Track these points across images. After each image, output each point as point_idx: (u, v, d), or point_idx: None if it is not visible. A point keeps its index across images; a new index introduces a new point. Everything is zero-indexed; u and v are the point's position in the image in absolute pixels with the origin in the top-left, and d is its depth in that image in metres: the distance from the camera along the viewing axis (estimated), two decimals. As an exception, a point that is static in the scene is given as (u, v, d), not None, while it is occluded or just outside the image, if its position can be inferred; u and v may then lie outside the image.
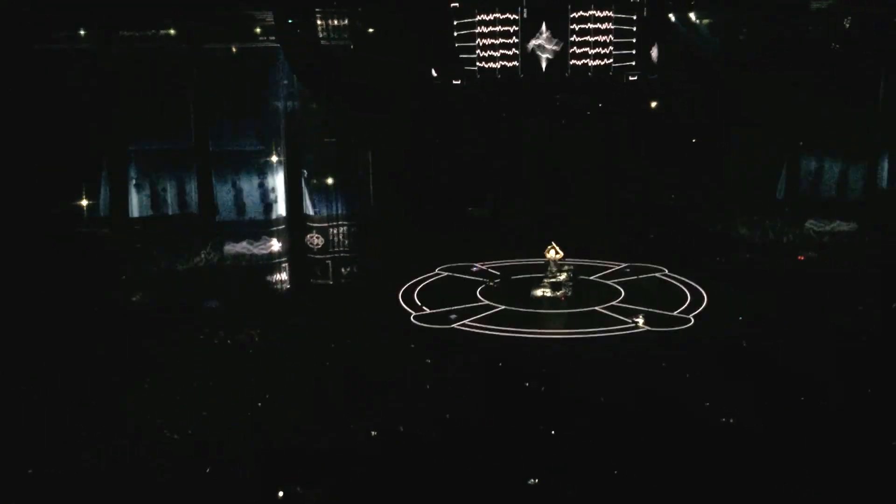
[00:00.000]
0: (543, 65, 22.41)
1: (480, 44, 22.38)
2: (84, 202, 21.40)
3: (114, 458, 11.56)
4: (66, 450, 11.83)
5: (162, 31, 21.29)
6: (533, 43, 22.25)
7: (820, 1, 21.73)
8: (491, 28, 22.33)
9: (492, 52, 22.44)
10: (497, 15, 22.23)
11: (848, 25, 21.19)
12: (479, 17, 22.32)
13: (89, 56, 20.98)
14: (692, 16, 22.79)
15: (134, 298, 20.93)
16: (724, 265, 23.17)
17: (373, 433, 12.24)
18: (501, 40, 22.36)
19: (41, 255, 19.93)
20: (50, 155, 20.47)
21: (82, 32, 20.95)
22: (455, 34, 22.43)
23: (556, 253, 21.01)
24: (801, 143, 23.97)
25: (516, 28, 22.32)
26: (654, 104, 24.67)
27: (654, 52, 22.67)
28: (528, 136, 25.60)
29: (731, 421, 12.39)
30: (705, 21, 22.77)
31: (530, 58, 22.39)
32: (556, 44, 22.18)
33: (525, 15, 22.21)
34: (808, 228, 24.10)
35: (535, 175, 25.71)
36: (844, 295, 19.21)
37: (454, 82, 22.71)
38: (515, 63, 22.51)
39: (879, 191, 23.70)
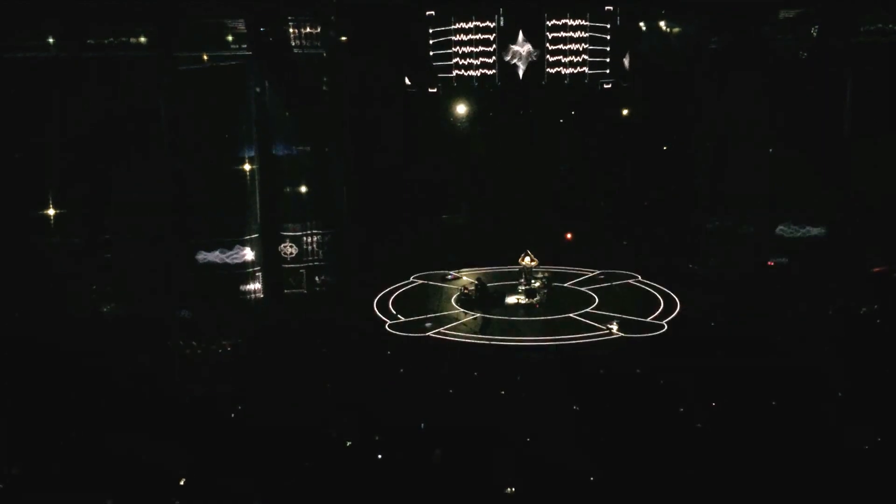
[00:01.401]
0: (521, 72, 22.49)
1: (458, 51, 22.39)
2: (52, 211, 21.10)
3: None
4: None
5: (132, 40, 21.01)
6: (510, 51, 22.30)
7: (788, 10, 22.00)
8: (469, 36, 22.36)
9: (469, 60, 22.46)
10: (476, 23, 22.26)
11: (815, 34, 21.47)
12: (456, 26, 22.33)
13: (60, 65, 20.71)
14: (662, 25, 22.99)
15: (105, 309, 20.71)
16: (697, 271, 23.36)
17: (348, 443, 12.20)
18: (480, 48, 22.38)
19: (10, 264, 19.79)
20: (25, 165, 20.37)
21: (51, 40, 20.66)
22: (431, 42, 22.41)
23: (531, 260, 21.08)
24: (770, 151, 24.19)
25: (493, 36, 22.36)
26: (625, 112, 24.85)
27: (627, 61, 22.85)
28: (502, 142, 25.66)
29: (701, 426, 12.51)
30: (675, 30, 22.98)
31: (507, 66, 22.45)
32: (533, 52, 22.26)
33: (502, 23, 22.28)
34: (780, 233, 24.35)
35: (510, 182, 25.76)
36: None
37: (430, 90, 22.69)
38: (493, 71, 22.56)
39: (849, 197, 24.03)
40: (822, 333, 16.99)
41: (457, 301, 20.96)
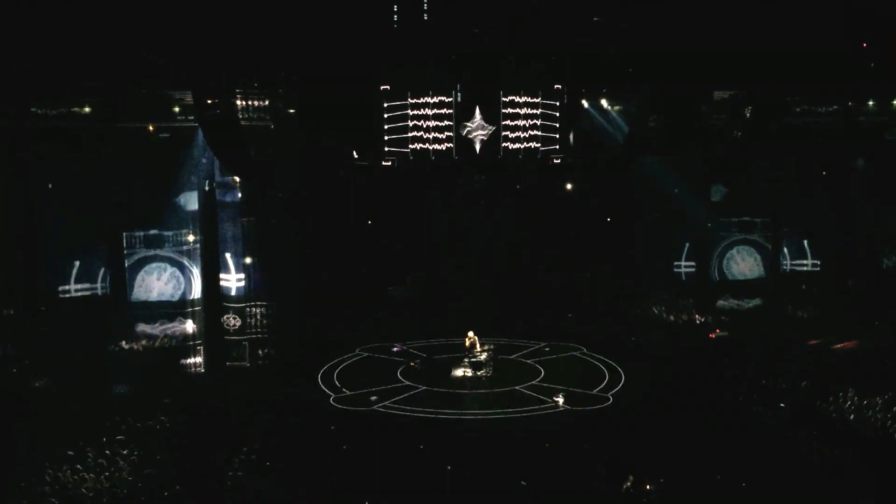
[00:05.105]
0: (477, 147, 22.62)
1: (413, 125, 22.48)
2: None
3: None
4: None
5: (76, 109, 20.79)
6: (466, 126, 22.45)
7: (722, 91, 22.88)
8: (425, 111, 22.48)
9: (425, 134, 22.53)
10: (433, 99, 22.40)
11: (749, 115, 22.32)
12: (412, 101, 22.44)
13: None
14: (604, 103, 23.66)
15: (37, 384, 19.93)
16: (640, 344, 23.54)
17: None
18: (435, 123, 22.48)
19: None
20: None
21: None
22: (386, 116, 22.43)
23: (475, 337, 21.10)
24: (709, 225, 25.00)
25: (450, 111, 22.52)
26: (569, 186, 25.38)
27: (572, 137, 23.33)
28: (447, 216, 25.93)
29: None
30: (616, 108, 23.68)
31: (464, 140, 22.60)
32: (489, 127, 22.46)
33: (459, 99, 22.46)
34: (720, 306, 24.90)
35: (454, 256, 25.95)
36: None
37: (384, 163, 22.63)
38: (449, 145, 22.64)
39: (781, 271, 25.01)
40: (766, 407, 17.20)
41: (402, 374, 20.80)
